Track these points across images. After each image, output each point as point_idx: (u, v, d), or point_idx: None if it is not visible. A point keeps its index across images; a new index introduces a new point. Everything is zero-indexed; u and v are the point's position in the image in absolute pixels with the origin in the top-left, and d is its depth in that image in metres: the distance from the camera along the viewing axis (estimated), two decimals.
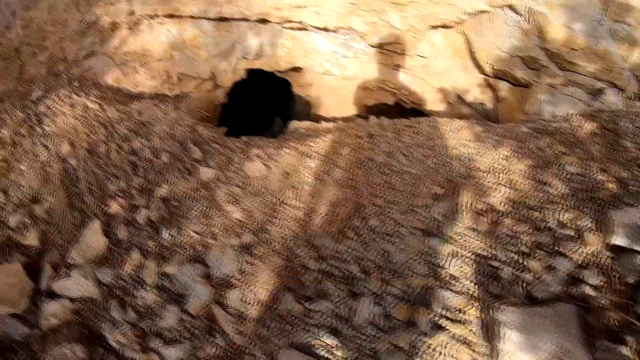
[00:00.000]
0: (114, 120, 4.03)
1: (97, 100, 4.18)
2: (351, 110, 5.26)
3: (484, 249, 3.13)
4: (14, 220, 3.82)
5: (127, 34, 4.52)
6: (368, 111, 5.28)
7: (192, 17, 4.43)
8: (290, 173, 3.46)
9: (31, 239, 3.75)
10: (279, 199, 3.38)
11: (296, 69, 4.82)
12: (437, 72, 4.22)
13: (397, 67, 4.26)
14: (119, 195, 3.73)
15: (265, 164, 3.57)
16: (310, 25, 4.24)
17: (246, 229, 3.34)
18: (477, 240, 3.17)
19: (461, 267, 3.08)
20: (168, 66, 4.62)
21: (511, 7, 3.64)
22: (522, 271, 2.87)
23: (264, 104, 6.98)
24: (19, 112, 4.07)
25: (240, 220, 3.40)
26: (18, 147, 3.98)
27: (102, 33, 4.48)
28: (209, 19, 4.41)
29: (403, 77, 4.33)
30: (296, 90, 5.30)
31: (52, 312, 3.37)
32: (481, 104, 4.29)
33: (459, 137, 3.60)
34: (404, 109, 4.68)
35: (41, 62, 4.41)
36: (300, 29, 4.41)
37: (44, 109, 4.17)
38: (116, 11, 4.42)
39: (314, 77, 4.94)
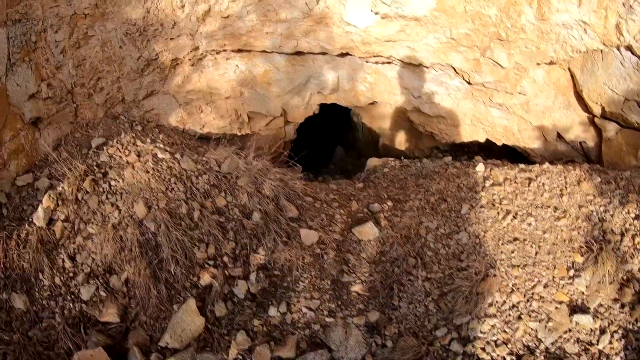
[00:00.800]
0: (191, 172, 3.66)
1: (167, 149, 3.80)
2: (429, 145, 4.99)
3: (631, 323, 2.95)
4: (86, 293, 3.43)
5: (190, 70, 4.13)
6: (450, 147, 5.02)
7: (264, 51, 4.04)
8: (409, 237, 3.16)
9: (110, 315, 3.38)
10: (402, 269, 3.09)
11: (372, 102, 4.50)
12: (538, 109, 4.00)
13: (494, 104, 3.99)
14: (209, 264, 3.38)
15: (377, 225, 3.25)
16: (401, 62, 3.91)
17: (370, 304, 3.04)
18: (622, 313, 2.99)
19: (611, 344, 2.90)
20: (237, 104, 4.24)
21: (629, 48, 3.40)
22: None
23: (321, 132, 6.64)
24: (78, 163, 3.63)
25: (359, 294, 3.09)
26: (82, 206, 3.57)
27: (162, 71, 4.08)
28: (282, 53, 4.03)
29: (498, 114, 4.11)
30: (366, 121, 4.98)
31: None
32: (582, 142, 4.08)
33: (582, 191, 3.39)
34: (489, 144, 4.43)
35: (98, 104, 3.98)
36: (384, 63, 4.07)
37: (107, 158, 3.77)
38: (177, 47, 4.02)
39: (390, 110, 4.63)
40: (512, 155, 4.66)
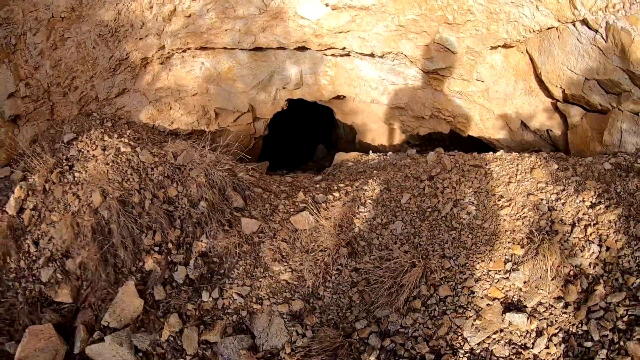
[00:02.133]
0: (147, 164, 3.67)
1: (130, 143, 3.86)
2: (400, 138, 4.74)
3: (574, 325, 2.59)
4: (45, 275, 3.56)
5: (159, 69, 4.19)
6: (421, 140, 4.75)
7: (225, 48, 4.00)
8: (343, 226, 2.96)
9: (64, 295, 3.48)
10: (332, 258, 2.91)
11: (339, 97, 4.33)
12: (499, 97, 3.69)
13: (453, 93, 3.70)
14: (154, 250, 3.38)
15: (313, 214, 3.08)
16: (355, 52, 3.73)
17: (296, 293, 2.89)
18: (565, 313, 2.63)
19: (548, 348, 2.55)
20: (204, 101, 4.24)
21: (584, 22, 3.07)
22: (618, 353, 2.35)
23: (305, 130, 6.52)
24: (49, 156, 3.74)
25: (288, 283, 2.94)
26: (49, 195, 3.67)
27: (133, 69, 4.17)
28: (243, 49, 3.96)
29: (459, 104, 3.83)
30: (340, 117, 4.82)
31: None
32: (548, 130, 3.73)
33: (534, 179, 3.06)
34: (459, 137, 4.12)
35: (72, 102, 4.13)
36: (343, 55, 3.90)
37: (75, 152, 3.87)
38: (146, 46, 4.09)
39: (359, 105, 4.47)
40: (486, 148, 4.31)
